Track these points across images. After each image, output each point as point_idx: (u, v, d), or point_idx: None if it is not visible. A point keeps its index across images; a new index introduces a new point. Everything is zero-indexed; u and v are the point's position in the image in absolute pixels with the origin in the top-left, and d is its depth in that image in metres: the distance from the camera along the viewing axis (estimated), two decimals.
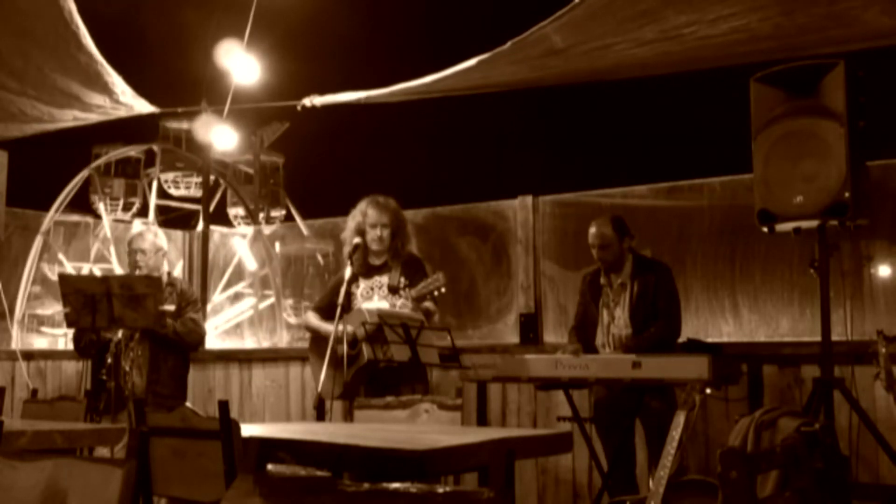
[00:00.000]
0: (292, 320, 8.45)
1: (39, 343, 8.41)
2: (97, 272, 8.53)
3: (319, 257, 8.41)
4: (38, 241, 8.43)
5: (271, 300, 8.74)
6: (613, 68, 5.83)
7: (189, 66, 7.89)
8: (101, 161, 8.72)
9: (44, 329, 8.43)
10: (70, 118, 6.84)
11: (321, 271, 8.30)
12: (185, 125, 8.98)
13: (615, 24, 5.08)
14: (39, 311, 8.29)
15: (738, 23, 4.92)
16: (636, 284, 4.87)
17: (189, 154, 8.83)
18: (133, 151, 8.92)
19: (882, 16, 4.68)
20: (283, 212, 9.10)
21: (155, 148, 8.96)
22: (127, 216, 8.86)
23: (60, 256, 8.49)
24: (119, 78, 6.38)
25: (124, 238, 8.34)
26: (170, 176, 8.96)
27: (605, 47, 5.36)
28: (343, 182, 10.61)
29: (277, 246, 8.73)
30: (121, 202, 8.77)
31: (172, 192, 9.04)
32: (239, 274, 9.08)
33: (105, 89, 6.45)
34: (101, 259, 8.81)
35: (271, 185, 9.17)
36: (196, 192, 9.12)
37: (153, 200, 8.92)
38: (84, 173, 8.71)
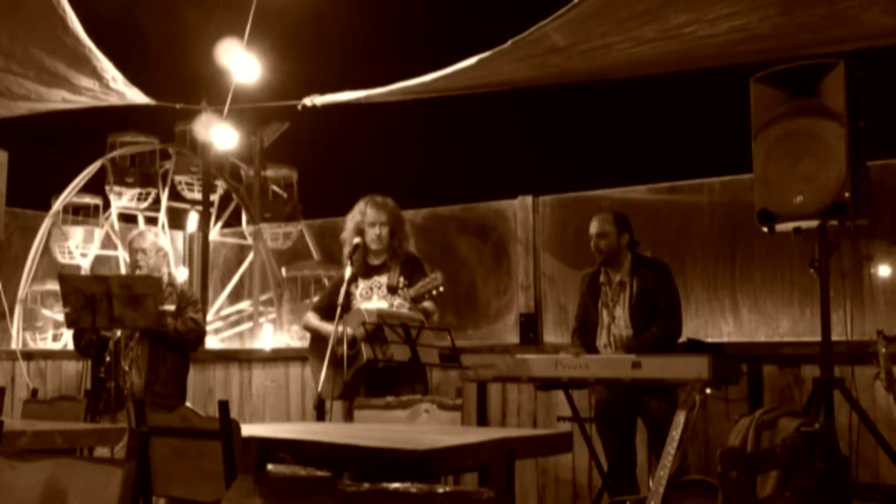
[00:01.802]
0: (294, 343, 8.41)
1: (41, 324, 8.43)
2: (102, 271, 8.58)
3: (326, 281, 8.40)
4: (42, 231, 8.41)
5: (273, 315, 8.71)
6: (613, 67, 5.84)
7: (189, 65, 7.89)
8: (118, 153, 8.68)
9: (46, 312, 8.42)
10: (59, 99, 6.79)
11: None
12: (129, 139, 8.96)
13: (615, 24, 5.08)
14: (42, 288, 8.29)
15: (737, 22, 4.93)
16: (636, 283, 4.88)
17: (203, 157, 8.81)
18: (148, 147, 8.88)
19: (882, 15, 4.68)
20: (298, 227, 8.94)
21: (170, 150, 8.95)
22: (140, 206, 8.82)
23: (69, 243, 8.47)
24: (109, 64, 6.34)
25: (127, 237, 8.39)
26: (184, 178, 8.94)
27: (605, 46, 5.36)
28: (343, 182, 10.60)
29: (283, 271, 8.70)
30: (136, 190, 8.75)
31: (186, 194, 9.02)
32: (241, 284, 9.05)
33: (94, 73, 6.41)
34: (108, 244, 8.81)
35: (284, 202, 9.02)
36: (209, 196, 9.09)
37: (164, 200, 8.92)
38: (101, 161, 8.67)
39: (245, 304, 8.91)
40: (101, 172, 8.78)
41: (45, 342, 8.31)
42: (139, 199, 8.83)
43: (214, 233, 8.81)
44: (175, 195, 9.02)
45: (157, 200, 8.90)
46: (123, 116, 7.61)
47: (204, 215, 8.16)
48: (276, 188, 9.13)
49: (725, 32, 5.04)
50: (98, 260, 8.75)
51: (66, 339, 8.02)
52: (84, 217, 8.81)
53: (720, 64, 5.65)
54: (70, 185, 8.59)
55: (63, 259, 8.49)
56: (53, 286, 8.00)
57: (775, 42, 5.14)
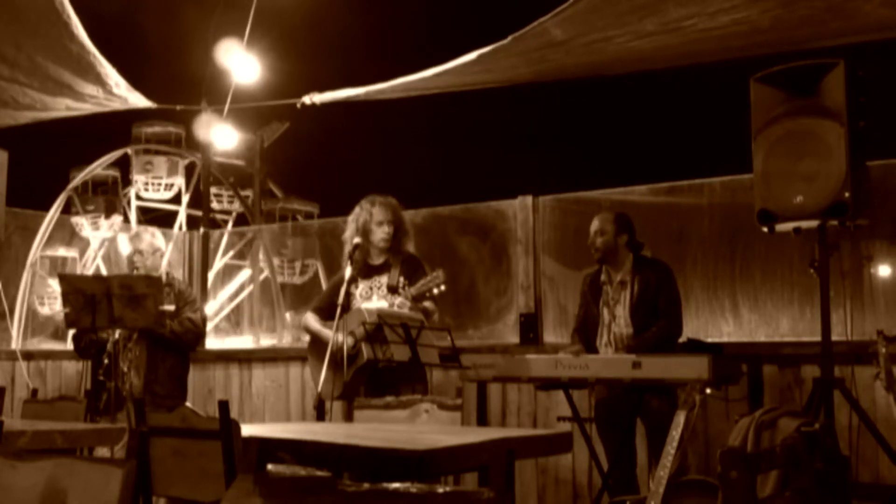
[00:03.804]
0: (289, 318, 8.43)
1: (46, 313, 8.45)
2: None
3: (301, 217, 8.39)
4: (26, 274, 8.41)
5: (265, 274, 8.70)
6: (613, 61, 5.83)
7: (189, 65, 7.89)
8: (77, 181, 8.72)
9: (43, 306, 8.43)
10: (63, 107, 6.82)
11: (305, 230, 8.28)
12: (156, 128, 8.99)
13: (615, 17, 5.08)
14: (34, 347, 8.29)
15: (738, 15, 4.92)
16: (636, 283, 4.88)
17: (164, 149, 8.83)
18: (108, 170, 8.95)
19: (882, 7, 4.67)
20: (316, 264, 8.89)
21: (129, 151, 8.98)
22: (109, 233, 8.85)
23: (48, 288, 8.44)
24: (113, 69, 6.36)
25: (112, 251, 8.45)
26: (140, 178, 8.96)
27: (605, 40, 5.36)
28: (343, 182, 10.60)
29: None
30: (102, 220, 8.75)
31: (143, 194, 9.06)
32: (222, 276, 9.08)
33: (98, 80, 6.44)
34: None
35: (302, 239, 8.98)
36: (166, 194, 9.12)
37: (133, 207, 8.98)
38: (62, 197, 8.73)
39: (243, 295, 8.94)
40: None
41: (54, 306, 8.30)
42: (107, 229, 8.81)
43: (222, 263, 8.86)
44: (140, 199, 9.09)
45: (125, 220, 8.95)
46: (122, 117, 7.61)
47: (204, 215, 8.16)
48: (298, 217, 9.17)
49: (726, 26, 5.03)
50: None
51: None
52: (61, 264, 8.80)
53: (720, 58, 5.64)
54: (41, 229, 8.51)
55: (43, 310, 8.46)
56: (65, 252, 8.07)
57: (776, 35, 5.13)
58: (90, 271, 8.66)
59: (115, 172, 9.02)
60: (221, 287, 9.14)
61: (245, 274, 9.07)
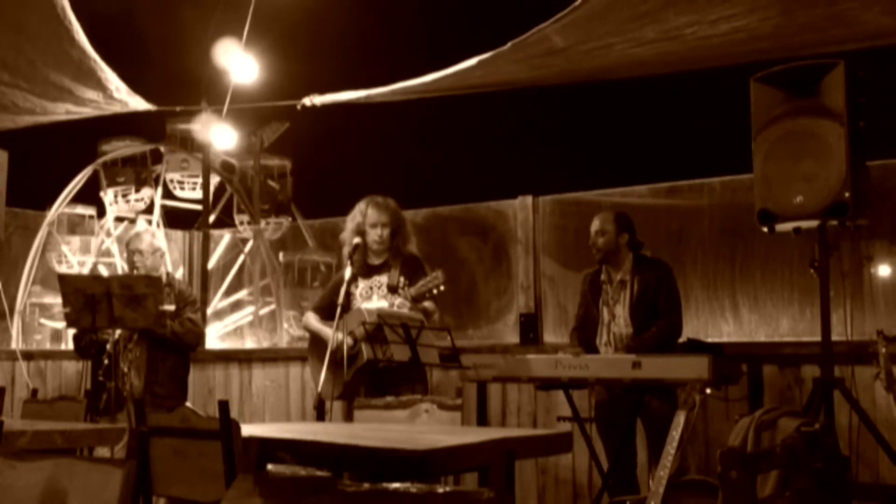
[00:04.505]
0: (293, 332, 8.42)
1: (40, 337, 8.44)
2: (102, 269, 8.58)
3: (323, 267, 8.39)
4: (41, 234, 8.44)
5: (272, 307, 8.73)
6: (614, 67, 5.84)
7: (188, 65, 7.89)
8: (109, 157, 8.69)
9: (44, 321, 8.43)
10: (63, 111, 6.84)
11: (325, 280, 8.30)
12: (191, 125, 8.96)
13: (616, 25, 5.08)
14: (39, 301, 8.30)
15: (738, 23, 4.93)
16: (636, 282, 4.88)
17: (195, 154, 8.82)
18: (139, 148, 8.90)
19: (882, 16, 4.68)
20: (290, 218, 9.00)
21: (162, 148, 8.96)
22: (133, 213, 8.84)
23: (64, 248, 8.50)
24: (113, 74, 6.37)
25: (124, 238, 8.40)
26: (175, 176, 8.94)
27: (605, 47, 5.36)
28: (343, 182, 10.60)
29: (281, 255, 8.72)
30: (131, 195, 8.76)
31: (178, 192, 9.03)
32: (239, 277, 9.07)
33: (98, 85, 6.44)
34: (105, 253, 8.82)
35: (278, 192, 9.05)
36: (137, 206, 9.10)
37: (158, 200, 8.92)
38: (92, 167, 8.71)
39: (244, 293, 8.93)
40: (94, 183, 8.81)
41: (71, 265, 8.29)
42: (134, 203, 8.82)
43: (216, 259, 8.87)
44: (168, 195, 9.05)
45: (150, 205, 8.92)
46: (121, 117, 7.60)
47: (204, 215, 8.15)
48: (270, 182, 9.15)
49: (726, 33, 5.04)
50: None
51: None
52: (80, 221, 8.83)
53: (721, 64, 5.65)
54: (63, 193, 8.61)
55: (60, 268, 8.49)
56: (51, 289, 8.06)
57: (776, 42, 5.14)
58: (106, 244, 8.67)
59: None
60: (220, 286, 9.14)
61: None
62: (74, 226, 8.78)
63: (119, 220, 8.91)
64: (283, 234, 8.96)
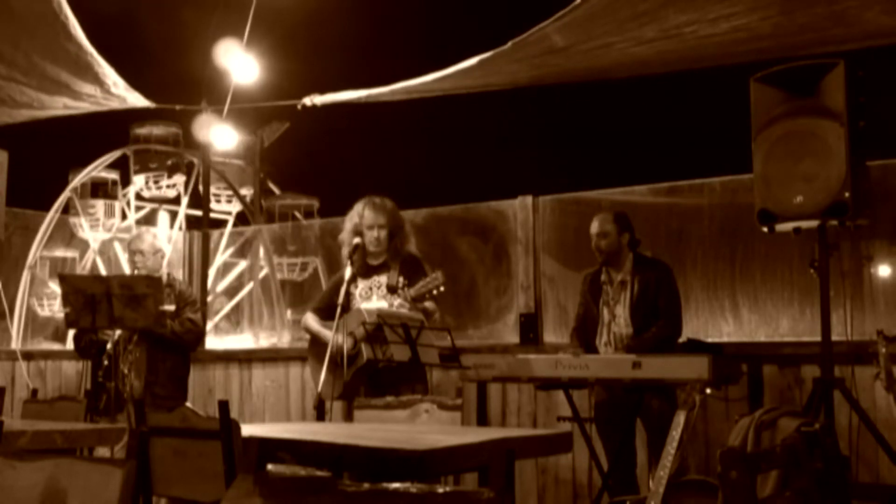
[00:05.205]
0: (290, 315, 8.42)
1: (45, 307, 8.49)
2: (117, 246, 8.67)
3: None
4: (26, 274, 8.44)
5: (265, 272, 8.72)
6: (614, 67, 5.84)
7: (188, 65, 7.89)
8: (76, 182, 8.74)
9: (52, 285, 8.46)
10: (60, 106, 6.82)
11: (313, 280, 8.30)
12: (155, 130, 8.99)
13: (616, 24, 5.08)
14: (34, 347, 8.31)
15: (738, 22, 4.93)
16: (636, 282, 4.88)
17: (163, 149, 8.84)
18: (108, 173, 8.96)
19: (882, 15, 4.68)
20: (316, 261, 8.92)
21: (128, 152, 9.00)
22: (107, 235, 8.87)
23: (50, 289, 8.49)
24: (111, 69, 6.35)
25: (108, 251, 8.47)
26: (142, 177, 8.98)
27: (605, 46, 5.37)
28: (343, 182, 10.60)
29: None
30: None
31: (145, 193, 9.08)
32: (239, 278, 9.08)
33: (96, 79, 6.43)
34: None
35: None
36: (168, 193, 9.14)
37: (133, 208, 8.99)
38: (62, 198, 8.76)
39: (244, 292, 8.93)
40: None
41: (53, 307, 8.31)
42: (105, 230, 8.82)
43: (222, 259, 8.87)
44: (139, 198, 9.10)
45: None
46: (120, 118, 7.61)
47: (204, 215, 8.16)
48: (297, 214, 9.17)
49: (726, 32, 5.04)
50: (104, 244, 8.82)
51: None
52: (61, 264, 8.84)
53: (720, 63, 5.65)
54: (38, 234, 8.60)
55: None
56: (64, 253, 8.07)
57: (776, 42, 5.14)
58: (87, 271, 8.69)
59: (114, 175, 9.02)
60: (219, 284, 9.15)
61: (242, 265, 9.10)
62: (55, 269, 8.76)
63: (140, 205, 8.94)
64: (307, 277, 8.87)
